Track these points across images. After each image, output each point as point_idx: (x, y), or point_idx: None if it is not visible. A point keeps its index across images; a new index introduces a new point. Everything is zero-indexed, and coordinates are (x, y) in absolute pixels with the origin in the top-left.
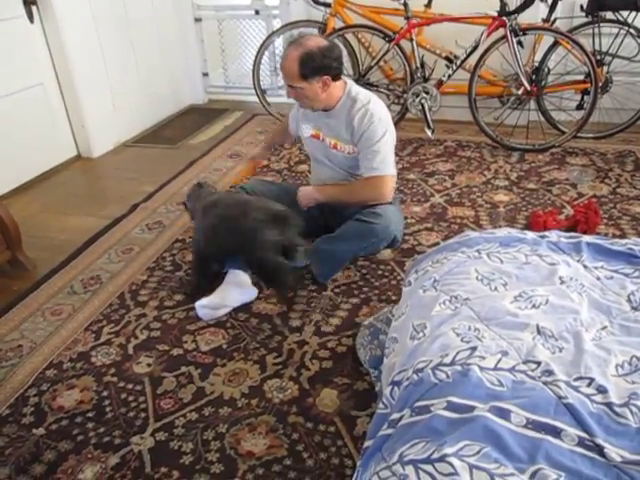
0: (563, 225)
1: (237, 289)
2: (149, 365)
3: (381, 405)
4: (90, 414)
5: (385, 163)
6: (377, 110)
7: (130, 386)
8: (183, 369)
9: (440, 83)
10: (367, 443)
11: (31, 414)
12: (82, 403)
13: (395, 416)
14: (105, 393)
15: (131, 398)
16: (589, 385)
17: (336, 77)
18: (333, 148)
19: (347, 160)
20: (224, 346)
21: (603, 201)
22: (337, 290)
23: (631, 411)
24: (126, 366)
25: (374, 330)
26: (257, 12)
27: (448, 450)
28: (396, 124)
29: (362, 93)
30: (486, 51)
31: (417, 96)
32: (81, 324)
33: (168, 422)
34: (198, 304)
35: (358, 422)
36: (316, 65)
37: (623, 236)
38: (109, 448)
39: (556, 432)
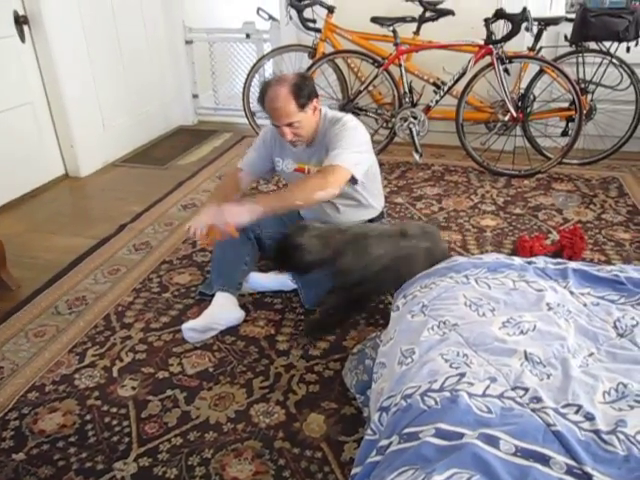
0: (549, 250)
1: (225, 311)
2: (134, 388)
3: (369, 431)
4: (72, 438)
5: (343, 158)
6: (349, 119)
7: (114, 410)
8: (168, 392)
9: (428, 108)
10: (355, 470)
11: (11, 438)
12: (64, 427)
13: (383, 443)
14: (88, 417)
15: (115, 422)
16: (577, 412)
17: (317, 99)
18: None
19: None
20: (210, 369)
21: (588, 227)
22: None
23: (618, 439)
24: (110, 389)
25: (361, 355)
26: (248, 36)
27: (437, 478)
28: (384, 148)
29: (338, 114)
30: (473, 78)
31: (405, 121)
32: (65, 346)
33: (152, 447)
34: (185, 327)
35: (345, 448)
36: (307, 91)
37: (608, 261)
38: (91, 474)
39: (545, 460)
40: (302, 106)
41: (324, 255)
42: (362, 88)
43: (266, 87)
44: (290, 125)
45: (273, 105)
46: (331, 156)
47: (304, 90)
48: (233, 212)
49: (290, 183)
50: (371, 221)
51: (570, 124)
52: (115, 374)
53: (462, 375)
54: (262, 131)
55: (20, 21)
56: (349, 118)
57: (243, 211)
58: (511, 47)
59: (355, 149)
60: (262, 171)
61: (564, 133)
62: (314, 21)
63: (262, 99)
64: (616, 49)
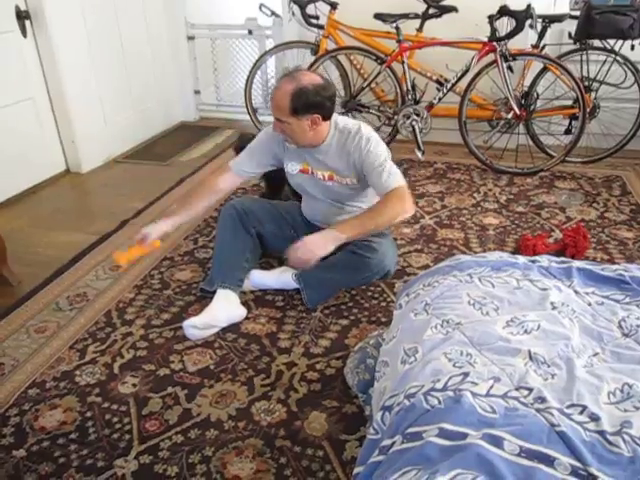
0: (552, 249)
1: (226, 309)
2: (134, 385)
3: (372, 430)
4: (73, 435)
5: (395, 175)
6: (369, 132)
7: (115, 407)
8: (169, 390)
9: (431, 106)
10: (357, 469)
11: (11, 435)
12: (65, 424)
13: (386, 442)
14: (89, 414)
15: (115, 419)
16: (582, 413)
17: (327, 117)
18: (328, 180)
19: (346, 190)
20: (212, 367)
21: (591, 225)
22: (327, 311)
23: (624, 440)
24: (111, 386)
25: (362, 354)
26: (250, 32)
27: (441, 479)
28: (387, 145)
29: (350, 122)
30: (476, 75)
31: (408, 118)
32: (66, 342)
33: (153, 444)
34: (186, 324)
35: (347, 446)
36: (308, 102)
37: (611, 260)
38: (92, 471)
39: (549, 461)
40: (294, 112)
41: None
42: (365, 85)
43: (282, 76)
44: (279, 120)
45: (273, 92)
46: (384, 180)
47: (304, 100)
48: (319, 244)
49: (369, 209)
50: None
51: (573, 122)
52: (116, 371)
53: (466, 375)
54: (262, 132)
55: (22, 16)
56: (367, 130)
57: (328, 241)
58: (515, 44)
59: (389, 160)
60: (248, 174)
61: (567, 131)
62: (317, 17)
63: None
64: (620, 47)
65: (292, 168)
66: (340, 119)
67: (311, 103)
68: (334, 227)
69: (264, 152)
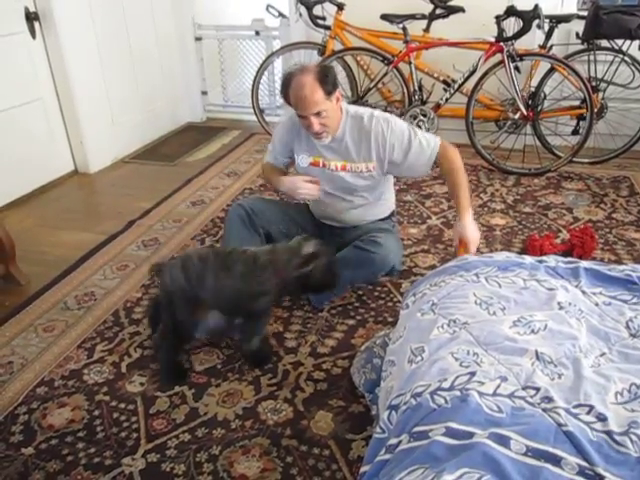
0: (559, 249)
1: None
2: (142, 384)
3: (378, 429)
4: (81, 434)
5: (430, 140)
6: (384, 114)
7: (122, 405)
8: (177, 389)
9: (438, 106)
10: (364, 468)
11: (20, 433)
12: (73, 422)
13: (393, 441)
14: (97, 412)
15: (123, 418)
16: (589, 413)
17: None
18: (341, 170)
19: (358, 180)
20: (218, 366)
21: (599, 226)
22: (333, 311)
23: (631, 440)
24: (119, 385)
25: (369, 353)
26: (257, 33)
27: (447, 477)
28: None
29: (360, 109)
30: (483, 75)
31: (415, 118)
32: (74, 341)
33: (160, 443)
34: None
35: (353, 446)
36: (331, 78)
37: (619, 261)
38: (99, 469)
39: (556, 460)
40: (329, 93)
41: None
42: (372, 85)
43: (290, 77)
44: (318, 114)
45: (300, 93)
46: (426, 149)
47: (329, 77)
48: (475, 231)
49: (454, 183)
50: (382, 220)
51: (581, 122)
52: (124, 370)
53: (472, 374)
54: (281, 123)
55: (31, 17)
56: (380, 112)
57: (476, 228)
58: (522, 45)
59: (413, 129)
60: (284, 163)
61: (575, 132)
62: (324, 18)
63: (286, 90)
64: (628, 47)
65: (303, 161)
66: (350, 107)
67: (332, 79)
68: (461, 217)
69: (282, 143)
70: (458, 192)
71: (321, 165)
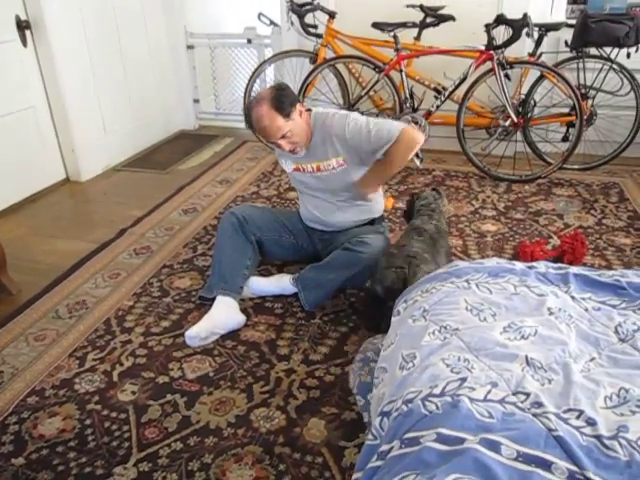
0: (550, 255)
1: (226, 314)
2: (134, 393)
3: (370, 436)
4: (72, 443)
5: (387, 126)
6: (346, 111)
7: (114, 414)
8: (169, 397)
9: (429, 113)
10: (356, 475)
11: (10, 443)
12: (64, 432)
13: (384, 447)
14: (88, 421)
15: (115, 427)
16: (578, 417)
17: (301, 104)
18: (317, 171)
19: (335, 177)
20: (211, 374)
21: (589, 232)
22: (326, 318)
23: (620, 444)
24: (110, 394)
25: (364, 358)
26: (249, 41)
27: None
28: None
29: (326, 110)
30: (474, 83)
31: None
32: (65, 350)
33: (152, 452)
34: (188, 334)
35: (346, 453)
36: (287, 99)
37: (609, 266)
38: (91, 479)
39: (546, 465)
40: (287, 115)
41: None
42: (363, 93)
43: (249, 111)
44: (284, 137)
45: (260, 125)
46: (382, 133)
47: (284, 101)
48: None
49: (382, 162)
50: (371, 223)
51: (571, 129)
52: (115, 378)
53: (463, 380)
54: None
55: (22, 26)
56: (339, 110)
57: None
58: (512, 53)
59: (374, 119)
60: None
61: (565, 138)
62: (315, 27)
63: (250, 123)
64: (616, 55)
65: (288, 167)
66: (316, 110)
67: (289, 99)
68: (359, 186)
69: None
70: (378, 169)
71: (302, 170)
